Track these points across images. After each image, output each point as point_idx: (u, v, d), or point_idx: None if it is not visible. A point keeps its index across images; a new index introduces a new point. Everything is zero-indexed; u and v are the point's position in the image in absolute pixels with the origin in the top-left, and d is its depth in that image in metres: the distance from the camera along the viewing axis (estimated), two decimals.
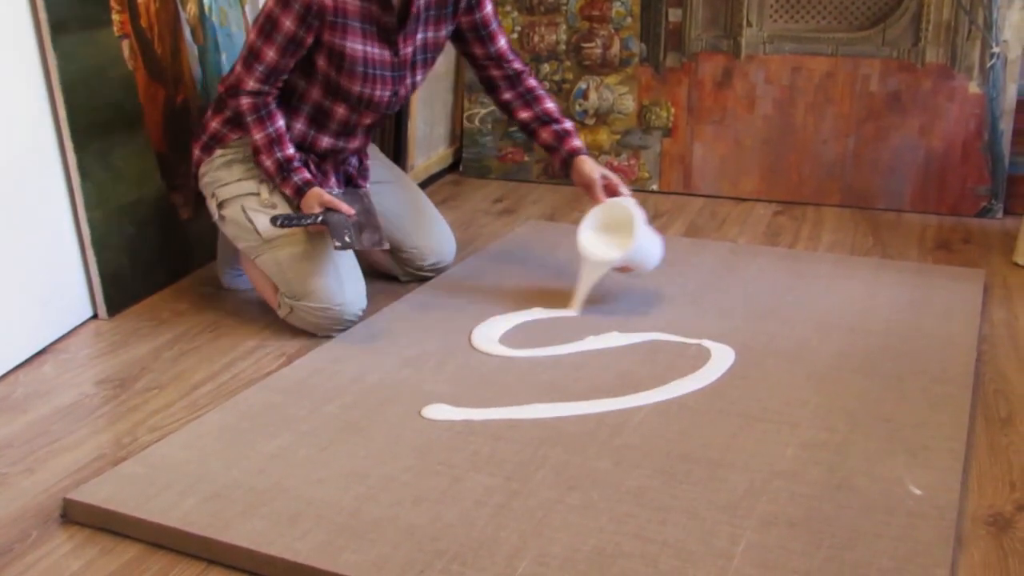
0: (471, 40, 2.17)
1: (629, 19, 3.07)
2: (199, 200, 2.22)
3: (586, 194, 2.13)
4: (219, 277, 2.29)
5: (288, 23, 1.92)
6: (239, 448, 1.55)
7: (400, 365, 1.84)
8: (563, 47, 3.15)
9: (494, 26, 2.17)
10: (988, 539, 1.37)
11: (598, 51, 3.12)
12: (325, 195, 1.98)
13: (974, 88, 2.82)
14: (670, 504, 1.39)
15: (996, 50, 2.79)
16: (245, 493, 1.42)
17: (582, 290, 2.08)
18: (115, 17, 2.11)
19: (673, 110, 3.08)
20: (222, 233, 2.19)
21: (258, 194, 2.03)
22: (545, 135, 2.17)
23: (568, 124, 2.18)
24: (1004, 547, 1.35)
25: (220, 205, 2.06)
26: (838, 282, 2.26)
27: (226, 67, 2.41)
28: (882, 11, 2.87)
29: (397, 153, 2.99)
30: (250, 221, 2.01)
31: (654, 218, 2.85)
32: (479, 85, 3.21)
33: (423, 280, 2.29)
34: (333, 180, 2.13)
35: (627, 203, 2.07)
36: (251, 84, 1.97)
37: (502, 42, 2.19)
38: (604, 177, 2.11)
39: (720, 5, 2.99)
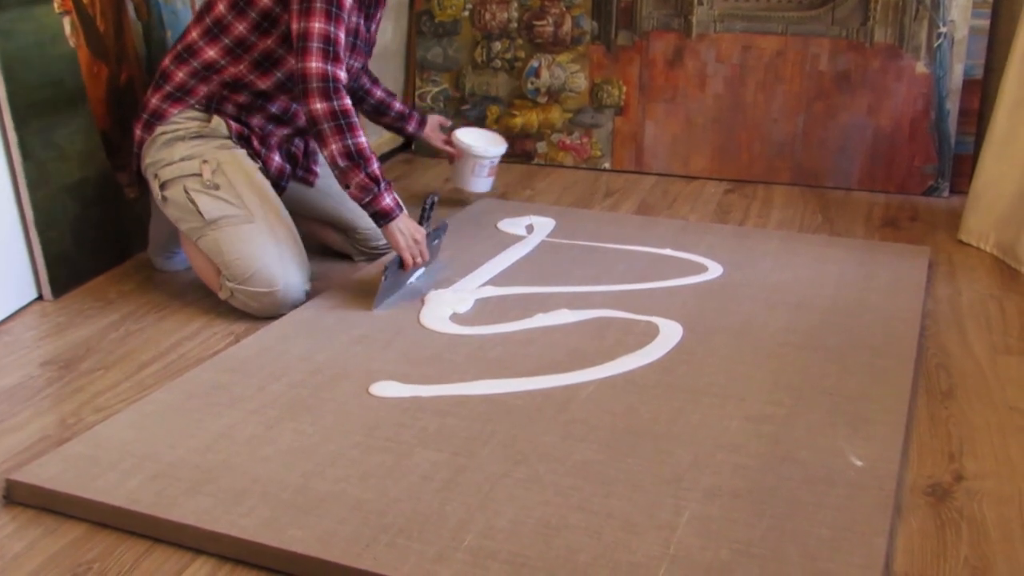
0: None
1: None
2: (144, 180, 2.19)
3: (441, 136, 2.60)
4: (152, 261, 2.26)
5: None
6: (185, 427, 1.54)
7: (349, 343, 1.84)
8: (515, 25, 3.14)
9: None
10: (926, 509, 1.40)
11: (550, 29, 3.12)
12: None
13: (921, 68, 2.85)
14: (615, 477, 1.40)
15: (943, 30, 2.82)
16: (190, 471, 1.42)
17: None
18: None
19: (625, 88, 3.09)
20: (153, 217, 2.18)
21: (200, 175, 2.00)
22: (399, 105, 2.46)
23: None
24: (941, 516, 1.38)
25: (162, 186, 2.02)
26: (786, 259, 2.28)
27: (171, 44, 2.38)
28: None
29: None
30: (192, 202, 1.98)
31: (606, 196, 2.86)
32: (431, 62, 3.22)
33: (375, 258, 2.29)
34: (277, 156, 2.13)
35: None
36: (344, 75, 1.93)
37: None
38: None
39: None
